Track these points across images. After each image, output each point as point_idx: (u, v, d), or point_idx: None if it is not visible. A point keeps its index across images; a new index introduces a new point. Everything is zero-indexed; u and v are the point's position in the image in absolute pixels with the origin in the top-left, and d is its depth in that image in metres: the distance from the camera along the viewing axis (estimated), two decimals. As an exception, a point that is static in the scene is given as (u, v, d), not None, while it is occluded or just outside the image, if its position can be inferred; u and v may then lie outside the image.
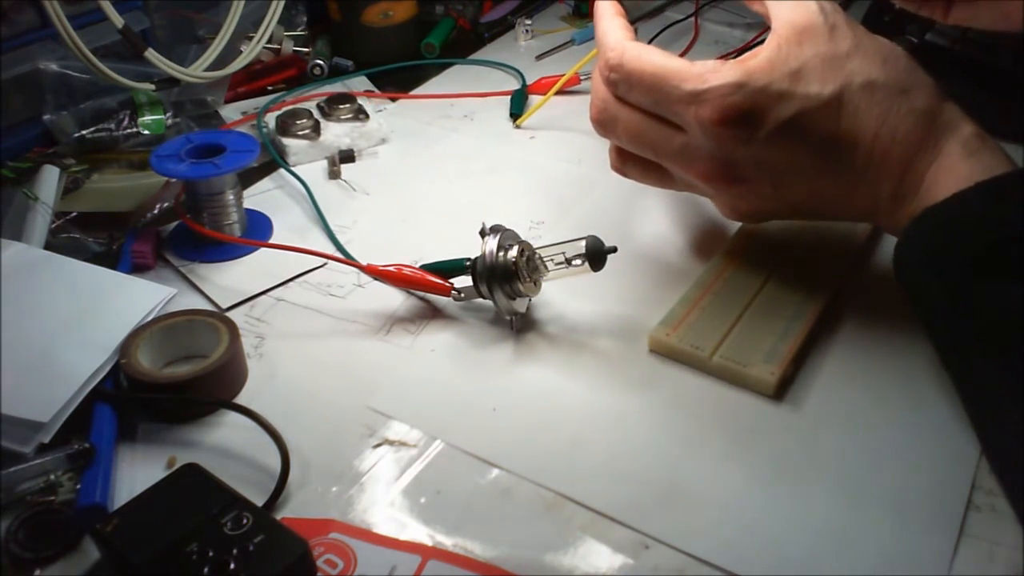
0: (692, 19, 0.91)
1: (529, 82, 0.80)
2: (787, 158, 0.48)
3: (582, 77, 0.79)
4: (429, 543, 0.41)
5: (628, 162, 0.55)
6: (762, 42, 0.48)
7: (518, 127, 0.75)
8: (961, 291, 0.44)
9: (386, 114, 0.77)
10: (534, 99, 0.77)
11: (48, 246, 0.58)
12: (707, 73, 0.47)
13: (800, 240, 0.57)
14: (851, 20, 0.49)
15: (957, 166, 0.46)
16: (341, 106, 0.72)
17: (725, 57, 0.82)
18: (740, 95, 0.46)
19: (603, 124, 0.53)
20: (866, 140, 0.47)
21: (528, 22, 0.90)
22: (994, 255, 0.43)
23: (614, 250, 0.51)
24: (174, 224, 0.62)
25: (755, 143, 0.47)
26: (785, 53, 0.47)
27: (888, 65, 0.48)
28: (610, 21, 0.53)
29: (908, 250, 0.47)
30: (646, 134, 0.51)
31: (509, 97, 0.78)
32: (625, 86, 0.50)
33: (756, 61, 0.47)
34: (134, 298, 0.52)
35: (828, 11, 0.48)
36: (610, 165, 0.56)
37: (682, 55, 0.78)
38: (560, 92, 0.77)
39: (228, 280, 0.58)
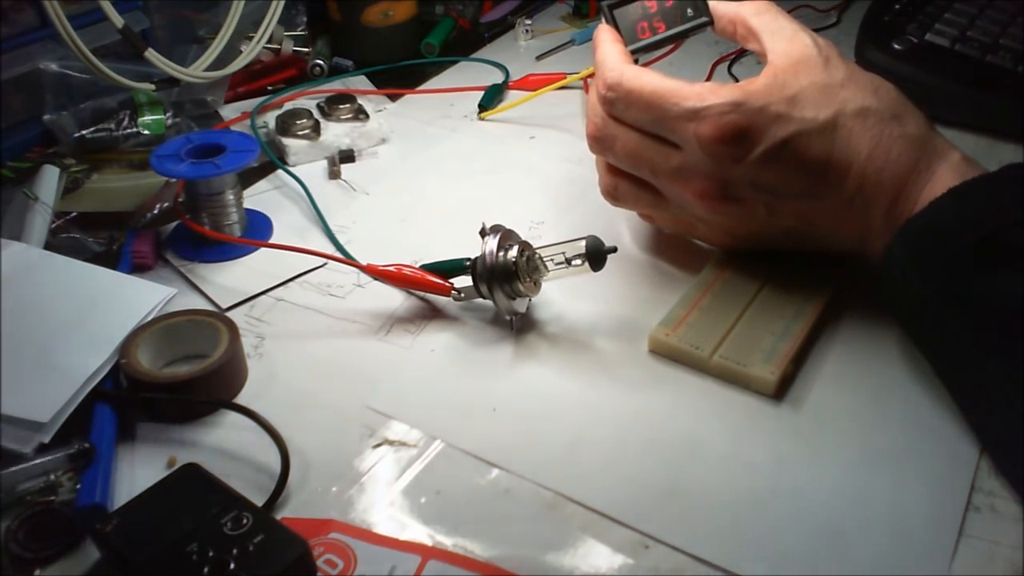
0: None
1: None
2: (781, 179, 0.49)
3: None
4: (429, 543, 0.41)
5: (622, 183, 0.54)
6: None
7: (482, 119, 0.76)
8: (951, 289, 0.44)
9: (386, 114, 0.76)
10: (517, 95, 0.77)
11: (48, 246, 0.58)
12: (706, 92, 0.48)
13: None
14: (843, 55, 0.50)
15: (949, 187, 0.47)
16: (341, 106, 0.72)
17: (725, 57, 0.82)
18: (738, 113, 0.47)
19: (600, 141, 0.53)
20: (859, 163, 0.48)
21: (528, 22, 0.90)
22: (981, 250, 0.43)
23: (614, 250, 0.51)
24: (174, 224, 0.62)
25: (750, 162, 0.48)
26: (782, 81, 0.48)
27: (880, 94, 0.49)
28: (610, 46, 0.53)
29: (894, 261, 0.47)
30: (643, 152, 0.51)
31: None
32: (623, 105, 0.50)
33: (754, 85, 0.48)
34: (134, 298, 0.52)
35: (822, 45, 0.50)
36: (600, 190, 0.56)
37: (666, 55, 0.79)
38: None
39: (228, 280, 0.58)
